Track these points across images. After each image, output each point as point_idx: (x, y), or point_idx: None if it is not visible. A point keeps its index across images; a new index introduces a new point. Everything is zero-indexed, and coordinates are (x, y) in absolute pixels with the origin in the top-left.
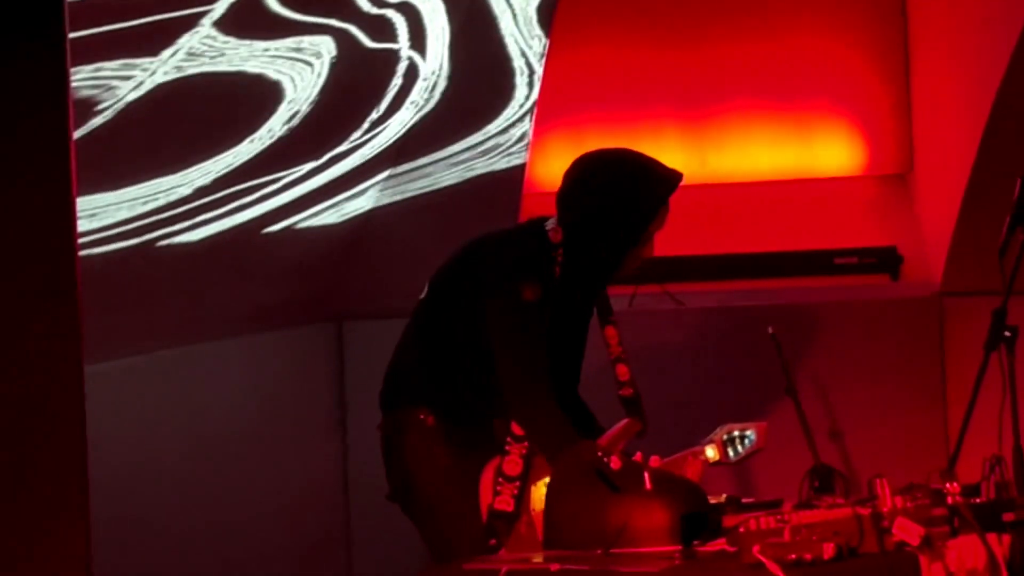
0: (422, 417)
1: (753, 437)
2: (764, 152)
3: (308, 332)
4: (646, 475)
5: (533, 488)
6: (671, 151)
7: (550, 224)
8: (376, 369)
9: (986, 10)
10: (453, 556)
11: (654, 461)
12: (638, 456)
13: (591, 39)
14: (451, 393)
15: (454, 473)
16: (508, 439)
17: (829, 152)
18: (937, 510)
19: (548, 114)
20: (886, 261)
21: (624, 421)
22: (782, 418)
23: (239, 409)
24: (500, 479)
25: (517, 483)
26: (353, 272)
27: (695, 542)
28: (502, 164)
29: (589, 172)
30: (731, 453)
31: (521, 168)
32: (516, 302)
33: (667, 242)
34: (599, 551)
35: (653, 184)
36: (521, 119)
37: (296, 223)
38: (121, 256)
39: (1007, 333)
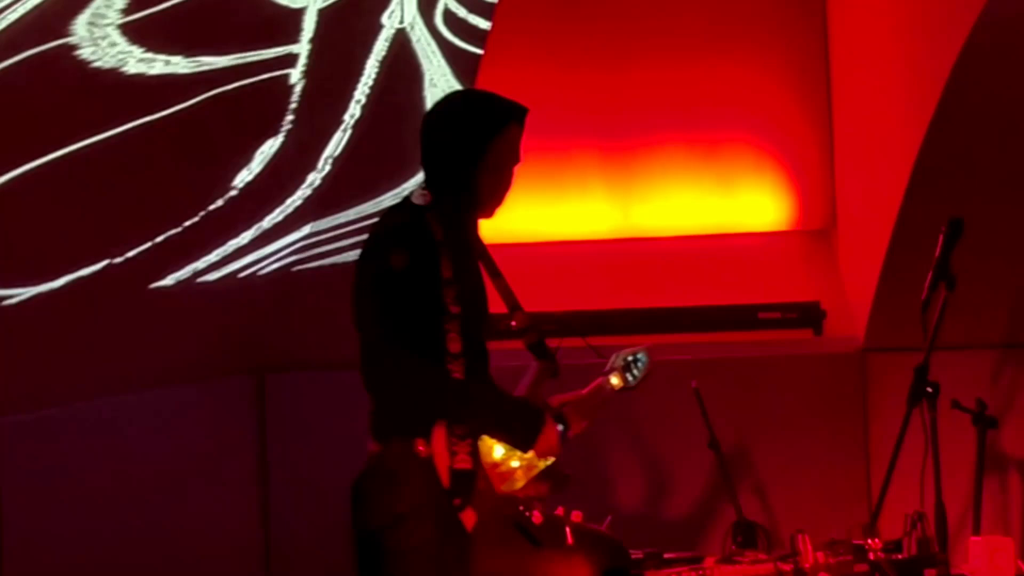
0: (420, 449)
1: (645, 359)
2: (688, 206)
3: (229, 384)
4: (567, 530)
5: (479, 443)
6: (596, 201)
7: (415, 192)
8: (298, 421)
9: (910, 63)
10: None
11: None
12: (559, 511)
13: (516, 67)
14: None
15: (445, 513)
16: None
17: (754, 207)
18: (859, 566)
19: None
20: (809, 316)
21: (534, 365)
22: (705, 472)
23: (159, 460)
24: (453, 439)
25: (469, 439)
26: (276, 325)
27: None
28: None
29: (429, 114)
30: (630, 378)
31: None
32: (384, 271)
33: (591, 295)
34: None
35: (482, 103)
36: None
37: (220, 275)
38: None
39: (929, 389)
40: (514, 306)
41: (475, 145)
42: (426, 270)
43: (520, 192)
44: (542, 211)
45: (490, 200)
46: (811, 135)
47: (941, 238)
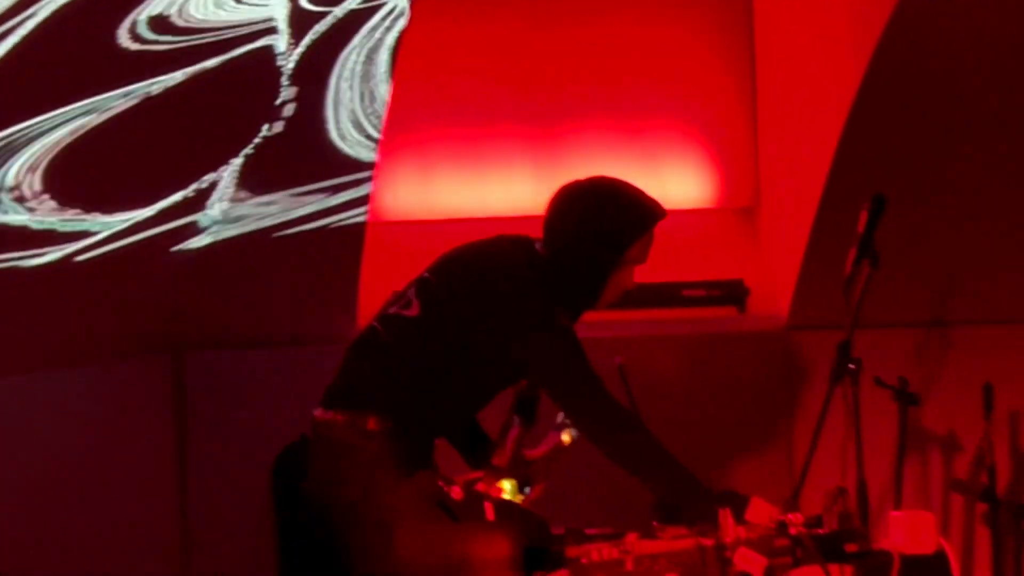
0: (382, 425)
1: None
2: None
3: (148, 362)
4: (487, 506)
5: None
6: (518, 180)
7: (538, 247)
8: (219, 400)
9: (833, 40)
10: (407, 570)
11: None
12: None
13: (437, 48)
14: (419, 408)
15: (407, 485)
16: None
17: (677, 184)
18: (780, 541)
19: (393, 130)
20: (733, 294)
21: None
22: None
23: (73, 441)
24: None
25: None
26: (195, 302)
27: (537, 573)
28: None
29: (572, 198)
30: (574, 434)
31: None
32: (560, 331)
33: None
34: None
35: (631, 209)
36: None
37: (140, 251)
38: None
39: (852, 366)
40: None
41: (613, 252)
42: None
43: (443, 170)
44: (464, 189)
45: (609, 298)
46: (735, 113)
47: (864, 215)
